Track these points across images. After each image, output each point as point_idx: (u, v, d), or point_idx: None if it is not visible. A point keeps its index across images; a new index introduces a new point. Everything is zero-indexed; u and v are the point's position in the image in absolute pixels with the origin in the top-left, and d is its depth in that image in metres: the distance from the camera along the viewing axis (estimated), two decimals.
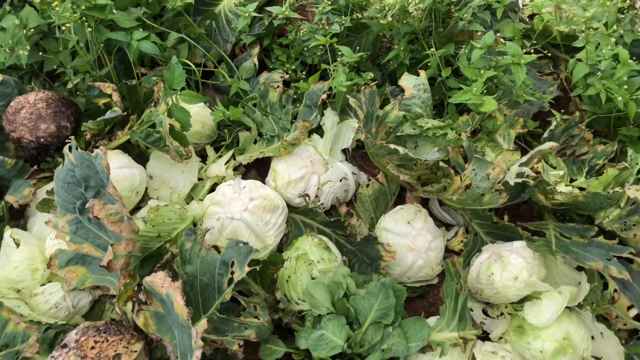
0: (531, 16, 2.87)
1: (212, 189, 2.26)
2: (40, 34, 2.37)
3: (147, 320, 1.69)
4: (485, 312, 2.08)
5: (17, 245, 1.98)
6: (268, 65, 2.69)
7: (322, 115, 2.35)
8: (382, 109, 2.22)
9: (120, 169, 2.13)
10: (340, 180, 2.27)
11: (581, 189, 2.16)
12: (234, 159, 2.36)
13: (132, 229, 1.70)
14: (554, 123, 2.36)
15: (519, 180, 1.88)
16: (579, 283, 2.03)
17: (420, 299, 2.18)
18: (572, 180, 2.27)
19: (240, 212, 2.07)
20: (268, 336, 1.81)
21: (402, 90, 2.30)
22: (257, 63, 2.59)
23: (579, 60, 2.22)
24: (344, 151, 2.40)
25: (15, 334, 1.81)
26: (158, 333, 1.69)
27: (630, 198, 1.97)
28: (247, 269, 1.70)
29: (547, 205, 2.11)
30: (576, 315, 1.96)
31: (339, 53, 2.37)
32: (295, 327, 1.88)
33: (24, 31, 2.22)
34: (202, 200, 2.21)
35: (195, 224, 2.16)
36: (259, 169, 2.43)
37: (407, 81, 2.30)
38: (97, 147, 2.00)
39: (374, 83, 2.19)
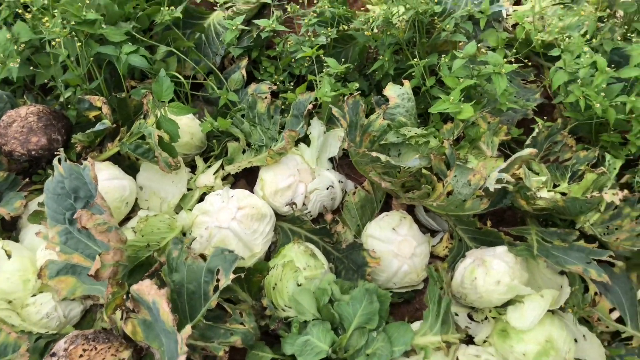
0: (515, 25, 2.93)
1: (202, 199, 2.30)
2: (32, 48, 2.42)
3: (135, 328, 1.73)
4: (470, 317, 2.11)
5: (9, 256, 2.02)
6: (257, 76, 2.74)
7: (309, 124, 2.39)
8: (368, 118, 2.27)
9: (110, 180, 2.18)
10: (327, 189, 2.31)
11: (563, 194, 2.20)
12: (223, 169, 2.41)
13: (120, 239, 1.74)
14: (537, 130, 2.40)
15: (499, 186, 1.92)
16: (562, 287, 2.06)
17: (407, 304, 2.21)
18: (555, 186, 2.31)
19: (228, 221, 2.10)
20: (254, 342, 1.84)
21: (387, 100, 2.34)
22: (245, 75, 2.64)
23: (560, 68, 2.27)
24: (331, 160, 2.44)
25: (7, 344, 1.83)
26: (146, 340, 1.73)
27: (611, 202, 2.01)
28: (232, 276, 1.73)
29: (529, 211, 2.15)
30: (559, 318, 2.00)
31: (325, 64, 2.42)
32: (282, 333, 1.92)
33: (15, 46, 2.26)
34: (191, 210, 2.24)
35: (184, 234, 2.20)
36: (247, 179, 2.47)
37: (391, 91, 2.35)
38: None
39: (357, 93, 2.23)
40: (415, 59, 2.40)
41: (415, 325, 1.97)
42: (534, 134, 2.40)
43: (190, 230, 2.18)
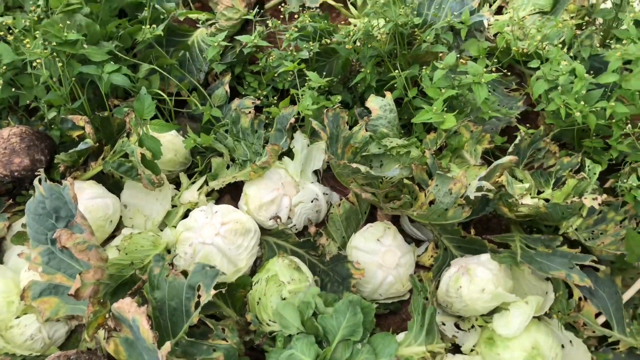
0: (497, 34, 2.95)
1: (186, 215, 2.29)
2: (15, 69, 2.43)
3: (117, 347, 1.72)
4: (457, 326, 2.10)
5: None
6: (241, 92, 2.76)
7: (292, 138, 2.40)
8: (351, 129, 2.28)
9: (93, 199, 2.18)
10: (312, 201, 2.31)
11: (547, 200, 2.21)
12: (207, 185, 2.41)
13: (100, 257, 1.74)
14: (519, 137, 2.41)
15: (479, 194, 1.93)
16: (547, 293, 2.06)
17: (394, 315, 2.21)
18: (539, 193, 2.31)
19: (212, 236, 2.10)
20: (237, 358, 1.83)
21: (370, 112, 2.36)
22: (228, 90, 2.65)
23: (540, 77, 2.29)
24: (316, 172, 2.44)
25: None
26: (129, 359, 1.71)
27: (594, 207, 2.01)
28: (213, 292, 1.73)
29: (513, 218, 2.16)
30: (545, 324, 1.99)
31: (308, 78, 2.44)
32: (267, 348, 1.90)
33: None
34: (175, 226, 2.24)
35: (169, 251, 2.20)
36: (232, 194, 2.47)
37: (373, 102, 2.36)
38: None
39: (337, 106, 2.25)
40: (397, 71, 2.42)
41: (401, 336, 1.96)
42: (517, 141, 2.41)
43: (174, 247, 2.18)
